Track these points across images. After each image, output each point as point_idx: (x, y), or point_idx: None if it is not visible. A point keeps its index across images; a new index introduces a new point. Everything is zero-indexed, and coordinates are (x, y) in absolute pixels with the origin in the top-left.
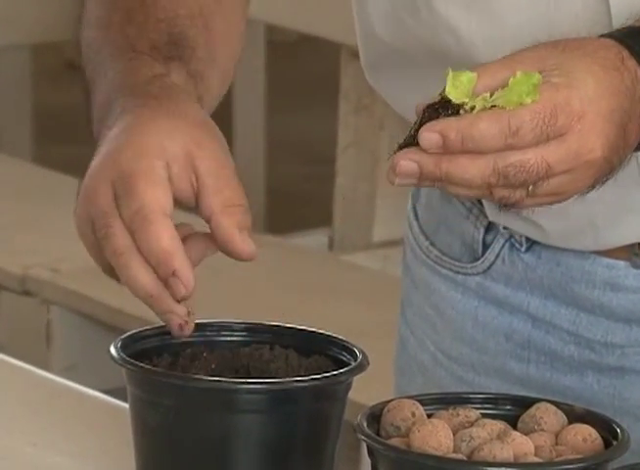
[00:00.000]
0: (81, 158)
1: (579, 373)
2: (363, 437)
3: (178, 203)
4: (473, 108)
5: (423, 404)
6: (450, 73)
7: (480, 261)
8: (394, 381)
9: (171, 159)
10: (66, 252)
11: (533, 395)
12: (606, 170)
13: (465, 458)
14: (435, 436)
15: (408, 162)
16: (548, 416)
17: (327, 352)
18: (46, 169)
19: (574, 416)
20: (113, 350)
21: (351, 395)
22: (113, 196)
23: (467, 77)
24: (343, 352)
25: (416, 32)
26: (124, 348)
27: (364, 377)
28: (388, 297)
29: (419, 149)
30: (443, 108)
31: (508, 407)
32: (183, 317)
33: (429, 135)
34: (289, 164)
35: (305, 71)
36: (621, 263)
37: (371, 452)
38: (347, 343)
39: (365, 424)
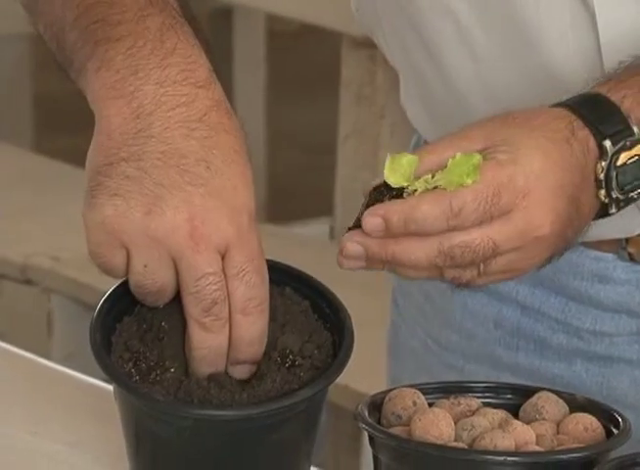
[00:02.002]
0: (82, 147)
1: (568, 361)
2: (364, 425)
3: None
4: (415, 190)
5: (424, 393)
6: (389, 157)
7: None
8: (387, 366)
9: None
10: (66, 240)
11: (523, 382)
12: (560, 244)
13: (466, 447)
14: (437, 425)
15: (354, 244)
16: (549, 405)
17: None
18: (46, 158)
19: (576, 405)
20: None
21: (351, 383)
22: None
23: (407, 160)
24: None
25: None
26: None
27: (364, 365)
28: (388, 285)
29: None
30: (388, 190)
31: (509, 396)
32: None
33: (371, 220)
34: (290, 153)
35: (306, 61)
36: (609, 256)
37: (372, 441)
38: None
39: (366, 413)
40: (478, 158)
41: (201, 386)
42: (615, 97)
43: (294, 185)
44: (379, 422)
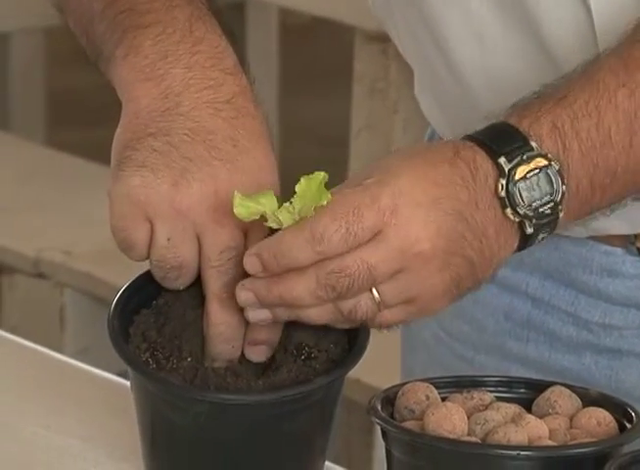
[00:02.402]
0: (94, 141)
1: (578, 354)
2: (377, 420)
3: None
4: (280, 223)
5: (437, 387)
6: (236, 195)
7: None
8: (400, 357)
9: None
10: (79, 234)
11: (532, 374)
12: (459, 264)
13: (479, 441)
14: (450, 419)
15: (245, 291)
16: (562, 400)
17: None
18: (59, 153)
19: (589, 400)
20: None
21: (364, 377)
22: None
23: (265, 197)
24: None
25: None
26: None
27: (377, 360)
28: None
29: (252, 276)
30: (271, 231)
31: (522, 391)
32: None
33: (248, 259)
34: (302, 147)
35: (319, 55)
36: (619, 250)
37: (385, 435)
38: None
39: (379, 407)
40: (322, 175)
41: (217, 374)
42: (513, 120)
43: None
44: (392, 416)
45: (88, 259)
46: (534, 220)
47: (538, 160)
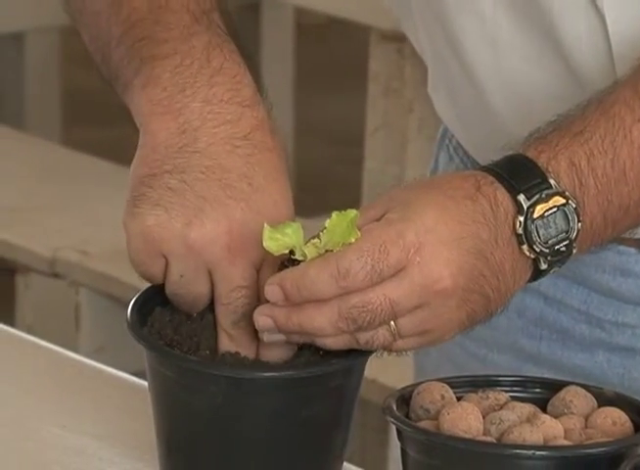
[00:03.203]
0: (110, 139)
1: (590, 352)
2: (392, 419)
3: None
4: (305, 256)
5: (452, 387)
6: (266, 228)
7: None
8: (413, 354)
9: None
10: (94, 234)
11: (544, 372)
12: (477, 301)
13: (494, 441)
14: (465, 419)
15: (263, 317)
16: (578, 399)
17: None
18: (75, 152)
19: (604, 399)
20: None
21: (379, 377)
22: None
23: (292, 228)
24: None
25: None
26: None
27: (391, 359)
28: None
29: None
30: (290, 262)
31: (537, 390)
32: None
33: (269, 288)
34: (317, 146)
35: (334, 54)
36: (632, 250)
37: (400, 435)
38: None
39: (394, 407)
40: (354, 213)
41: (234, 357)
42: (531, 153)
43: (321, 178)
44: (407, 416)
45: (104, 259)
46: (549, 257)
47: (556, 198)
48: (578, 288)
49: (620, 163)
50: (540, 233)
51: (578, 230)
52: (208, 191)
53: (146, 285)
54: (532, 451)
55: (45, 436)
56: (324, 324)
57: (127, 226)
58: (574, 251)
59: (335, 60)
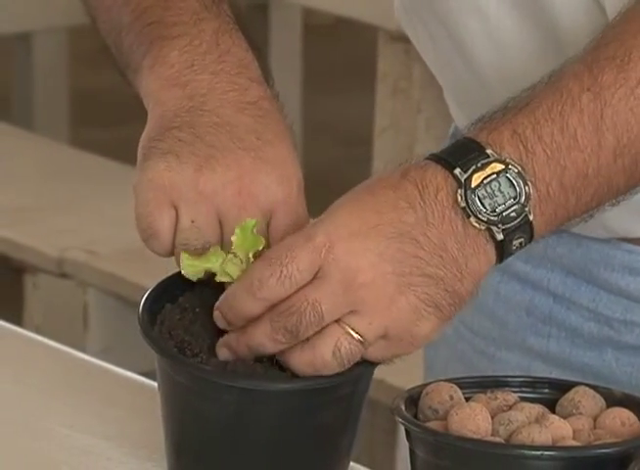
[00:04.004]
0: (117, 140)
1: (599, 350)
2: (401, 420)
3: None
4: (231, 276)
5: (461, 388)
6: (183, 256)
7: None
8: (423, 352)
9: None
10: (102, 234)
11: (553, 370)
12: (426, 283)
13: (503, 442)
14: (474, 419)
15: (222, 349)
16: (586, 400)
17: None
18: (82, 152)
19: (613, 400)
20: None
21: (387, 378)
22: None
23: (213, 254)
24: None
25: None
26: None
27: (401, 360)
28: None
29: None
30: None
31: (546, 391)
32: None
33: (215, 316)
34: (325, 146)
35: (342, 55)
36: None
37: (409, 436)
38: None
39: (403, 407)
40: (252, 222)
41: (247, 365)
42: (473, 133)
43: (329, 178)
44: (415, 416)
45: (112, 259)
46: (501, 225)
47: (493, 165)
48: (587, 286)
49: (571, 130)
50: (486, 203)
51: (528, 194)
52: (219, 141)
53: (144, 281)
54: (541, 452)
55: (53, 436)
56: (263, 340)
57: (137, 180)
58: (531, 216)
59: (343, 60)
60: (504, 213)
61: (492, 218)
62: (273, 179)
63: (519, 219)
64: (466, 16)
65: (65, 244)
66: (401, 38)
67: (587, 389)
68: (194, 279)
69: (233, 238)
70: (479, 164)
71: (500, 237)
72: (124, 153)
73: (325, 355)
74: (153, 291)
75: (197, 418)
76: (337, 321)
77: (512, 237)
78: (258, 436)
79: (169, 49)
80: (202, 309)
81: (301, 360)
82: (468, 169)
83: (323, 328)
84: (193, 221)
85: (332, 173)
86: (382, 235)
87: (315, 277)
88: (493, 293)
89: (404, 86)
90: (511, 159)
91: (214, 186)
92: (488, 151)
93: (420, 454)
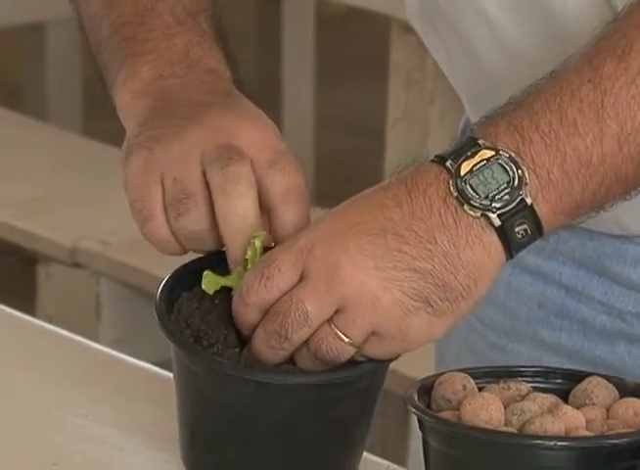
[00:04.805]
0: None
1: (611, 343)
2: (414, 410)
3: None
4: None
5: (474, 378)
6: (206, 274)
7: None
8: (435, 343)
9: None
10: (115, 224)
11: (564, 363)
12: (412, 277)
13: (516, 432)
14: (487, 409)
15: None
16: (599, 390)
17: None
18: (96, 142)
19: (626, 390)
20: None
21: (400, 368)
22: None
23: (236, 274)
24: None
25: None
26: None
27: (413, 351)
28: None
29: None
30: None
31: (559, 381)
32: None
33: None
34: (338, 137)
35: (355, 45)
36: None
37: (421, 425)
38: None
39: (416, 397)
40: (262, 235)
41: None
42: (472, 131)
43: (342, 169)
44: (428, 406)
45: (124, 249)
46: (496, 211)
47: (483, 152)
48: (599, 279)
49: (570, 119)
50: (480, 191)
51: (522, 177)
52: (193, 111)
53: (157, 271)
54: (554, 442)
55: (67, 426)
56: (261, 347)
57: (124, 176)
58: (529, 201)
59: (356, 51)
60: (497, 197)
61: (485, 203)
62: (252, 127)
63: (514, 203)
64: (474, 22)
65: (77, 234)
66: (414, 29)
67: (600, 379)
68: (210, 292)
69: (246, 254)
70: (468, 153)
71: (497, 222)
72: None
73: (317, 357)
74: (169, 279)
75: (211, 409)
76: (327, 323)
77: (512, 223)
78: (272, 428)
79: (140, 64)
80: (219, 298)
81: (302, 359)
82: (458, 159)
83: (315, 331)
84: (174, 178)
85: (344, 165)
86: (363, 232)
87: (300, 279)
88: (505, 285)
89: (417, 77)
90: (504, 146)
91: (192, 144)
92: (480, 141)
93: (433, 444)
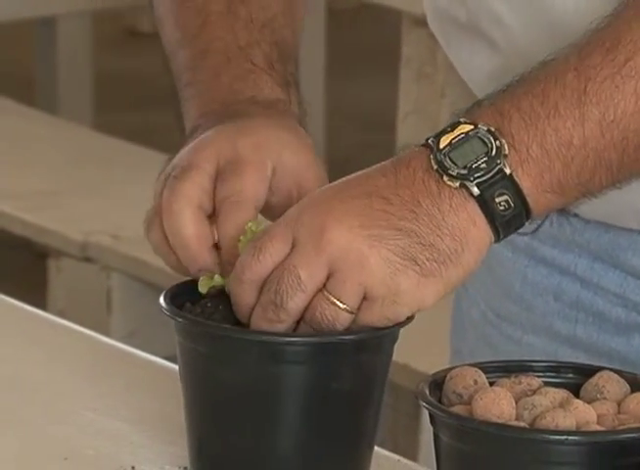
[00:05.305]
0: (141, 125)
1: (626, 335)
2: (425, 404)
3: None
4: None
5: (485, 372)
6: (203, 278)
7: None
8: (450, 337)
9: (279, 167)
10: (126, 218)
11: (579, 355)
12: (397, 236)
13: (527, 426)
14: (498, 404)
15: None
16: (611, 385)
17: None
18: (106, 136)
19: (637, 385)
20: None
21: (411, 362)
22: (214, 164)
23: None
24: None
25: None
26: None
27: (423, 344)
28: None
29: None
30: None
31: (570, 376)
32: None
33: None
34: (349, 131)
35: (366, 39)
36: None
37: (433, 420)
38: None
39: (427, 392)
40: (248, 226)
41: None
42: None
43: (353, 163)
44: (439, 401)
45: (135, 243)
46: (474, 179)
47: (462, 127)
48: (615, 271)
49: (551, 102)
50: (458, 162)
51: (499, 148)
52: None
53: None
54: (565, 437)
55: (77, 419)
56: (260, 324)
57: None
58: (508, 170)
59: (366, 45)
60: (474, 166)
61: (463, 172)
62: (223, 139)
63: (492, 172)
64: (488, 24)
65: (88, 228)
66: (425, 23)
67: (612, 374)
68: (203, 292)
69: (239, 246)
70: (447, 129)
71: (476, 191)
72: (148, 137)
73: (313, 325)
74: (174, 286)
75: (217, 386)
76: (321, 291)
77: (492, 193)
78: (278, 402)
79: (189, 107)
80: (224, 307)
81: (302, 327)
82: (439, 136)
83: (311, 301)
84: (173, 175)
85: (355, 158)
86: (347, 195)
87: (291, 248)
88: (520, 277)
89: (428, 71)
90: (483, 123)
91: (196, 158)
92: (461, 119)
93: (444, 439)
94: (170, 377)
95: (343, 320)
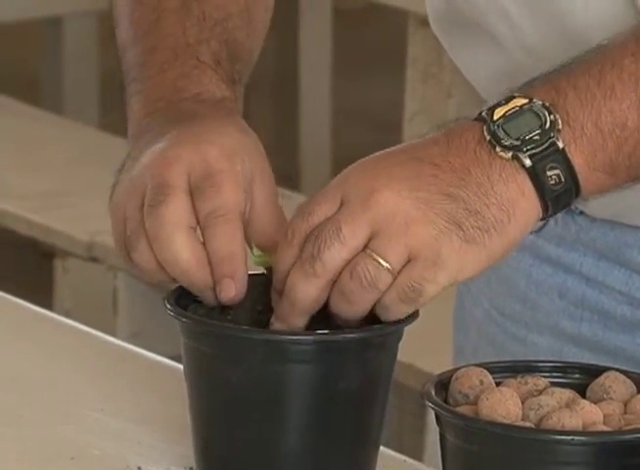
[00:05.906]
0: None
1: (632, 334)
2: (431, 404)
3: None
4: None
5: (491, 372)
6: (253, 250)
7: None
8: (452, 336)
9: (245, 172)
10: None
11: (585, 354)
12: (444, 201)
13: (533, 426)
14: (504, 404)
15: (275, 323)
16: (617, 385)
17: None
18: (112, 136)
19: None
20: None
21: (416, 362)
22: (187, 179)
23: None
24: None
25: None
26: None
27: (429, 344)
28: None
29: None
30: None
31: (577, 376)
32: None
33: (272, 296)
34: (355, 131)
35: (372, 39)
36: None
37: (439, 420)
38: None
39: (433, 392)
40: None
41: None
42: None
43: None
44: (445, 401)
45: None
46: (526, 150)
47: (516, 100)
48: (620, 269)
49: (608, 83)
50: (512, 133)
51: (554, 122)
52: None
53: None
54: (571, 437)
55: (83, 420)
56: (297, 281)
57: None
58: (561, 144)
59: (373, 45)
60: (527, 137)
61: (516, 144)
62: (194, 150)
63: (545, 144)
64: (495, 21)
65: (95, 228)
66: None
67: (618, 374)
68: (263, 268)
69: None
70: (502, 102)
71: (528, 163)
72: None
73: (354, 284)
74: (179, 287)
75: (223, 386)
76: (363, 250)
77: (544, 165)
78: (287, 399)
79: (133, 104)
80: (233, 311)
81: (335, 293)
82: (493, 109)
83: (351, 260)
84: (125, 216)
85: (361, 158)
86: (397, 161)
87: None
88: (525, 276)
89: (435, 71)
90: (539, 97)
91: (138, 174)
92: (515, 94)
93: (450, 439)
94: (176, 377)
95: (385, 280)
